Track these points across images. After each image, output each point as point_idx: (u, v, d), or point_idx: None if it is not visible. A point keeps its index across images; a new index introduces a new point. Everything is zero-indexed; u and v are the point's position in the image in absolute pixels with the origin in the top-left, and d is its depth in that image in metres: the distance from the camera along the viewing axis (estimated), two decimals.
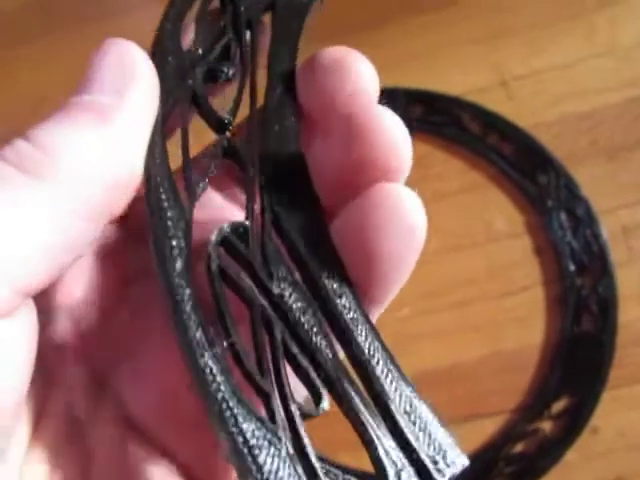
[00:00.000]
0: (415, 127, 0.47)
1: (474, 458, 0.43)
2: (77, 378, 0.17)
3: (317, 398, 0.14)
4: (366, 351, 0.14)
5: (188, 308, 0.13)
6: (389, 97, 0.53)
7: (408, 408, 0.14)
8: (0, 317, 0.13)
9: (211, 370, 0.13)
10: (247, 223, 0.15)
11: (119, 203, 0.15)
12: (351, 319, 0.15)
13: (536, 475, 0.42)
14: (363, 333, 0.15)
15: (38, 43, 0.54)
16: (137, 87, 0.15)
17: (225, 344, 0.14)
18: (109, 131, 0.14)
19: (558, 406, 0.43)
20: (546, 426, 0.43)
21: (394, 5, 0.51)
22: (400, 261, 0.15)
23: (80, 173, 0.14)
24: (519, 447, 0.43)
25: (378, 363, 0.14)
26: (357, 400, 0.14)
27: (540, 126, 0.47)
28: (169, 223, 0.14)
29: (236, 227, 0.15)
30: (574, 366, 0.43)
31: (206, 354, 0.13)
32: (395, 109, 0.52)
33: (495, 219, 0.46)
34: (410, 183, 0.53)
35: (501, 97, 0.48)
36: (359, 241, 0.15)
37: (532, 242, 0.46)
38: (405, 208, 0.15)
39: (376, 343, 0.15)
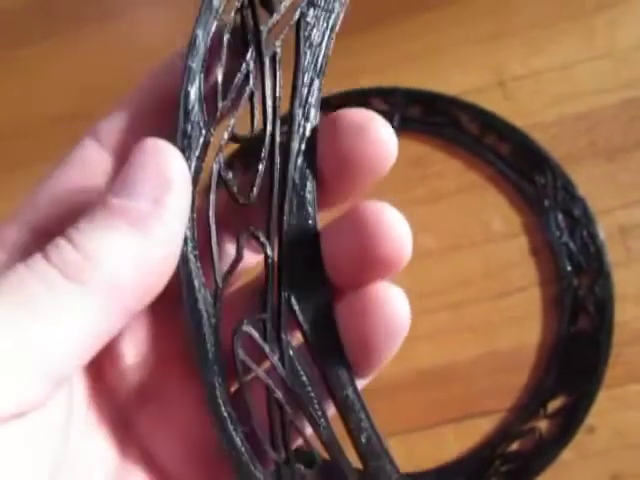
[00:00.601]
0: (414, 127, 0.48)
1: (470, 457, 0.44)
2: (104, 418, 0.18)
3: (313, 458, 0.18)
4: (358, 429, 0.18)
5: (224, 408, 0.17)
6: (388, 97, 0.53)
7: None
8: (38, 405, 0.15)
9: (240, 449, 0.17)
10: (264, 317, 0.18)
11: (149, 299, 0.16)
12: (346, 398, 0.18)
13: (532, 474, 0.43)
14: (357, 415, 0.18)
15: (39, 44, 0.54)
16: (173, 195, 0.16)
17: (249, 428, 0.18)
18: (146, 238, 0.16)
19: (554, 405, 0.43)
20: (542, 425, 0.43)
21: (393, 5, 0.51)
22: (388, 350, 0.18)
23: (118, 279, 0.15)
24: (515, 446, 0.43)
25: (367, 439, 0.18)
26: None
27: (538, 126, 0.47)
28: (204, 327, 0.17)
29: (255, 322, 0.18)
30: (570, 365, 0.43)
31: (237, 439, 0.17)
32: (394, 109, 0.53)
33: (492, 219, 0.47)
34: (409, 183, 0.53)
35: (499, 97, 0.48)
36: (357, 330, 0.18)
37: (529, 242, 0.46)
38: (396, 310, 0.18)
39: (366, 422, 0.18)
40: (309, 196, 0.18)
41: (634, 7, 0.49)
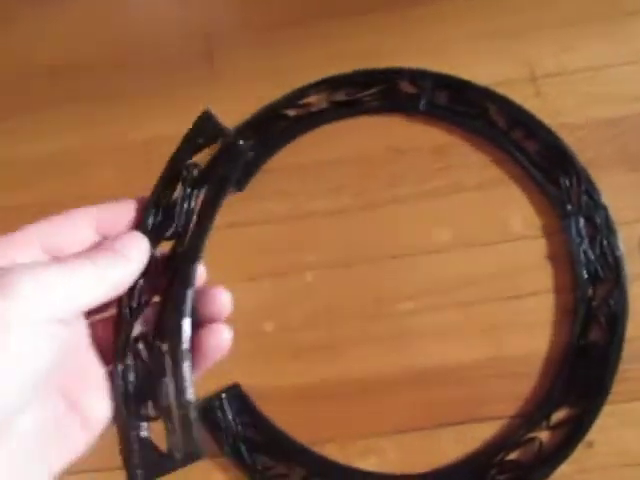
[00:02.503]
0: (440, 114, 0.46)
1: (467, 463, 0.42)
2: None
3: None
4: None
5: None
6: (416, 80, 0.50)
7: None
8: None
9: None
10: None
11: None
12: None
13: None
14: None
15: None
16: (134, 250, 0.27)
17: None
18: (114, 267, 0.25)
19: (557, 416, 0.42)
20: (543, 436, 0.42)
21: None
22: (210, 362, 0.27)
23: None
24: (514, 455, 0.42)
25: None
26: None
27: (565, 127, 0.46)
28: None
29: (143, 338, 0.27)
30: (577, 377, 0.43)
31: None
32: (422, 93, 0.50)
33: (512, 219, 0.45)
34: (430, 173, 0.51)
35: (529, 92, 0.47)
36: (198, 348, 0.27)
37: (547, 246, 0.45)
38: (221, 339, 0.27)
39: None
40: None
41: None
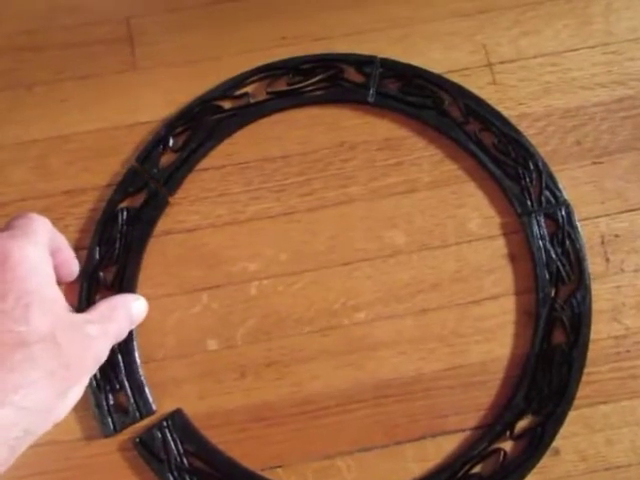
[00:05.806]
0: (390, 105, 0.45)
1: (430, 478, 0.43)
2: None
3: None
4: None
5: None
6: (363, 66, 0.49)
7: None
8: None
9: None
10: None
11: None
12: None
13: None
14: None
15: None
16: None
17: None
18: None
19: (521, 425, 0.43)
20: (507, 446, 0.43)
21: None
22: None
23: None
24: (478, 468, 0.43)
25: None
26: None
27: (525, 118, 0.46)
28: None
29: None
30: (541, 383, 0.43)
31: None
32: (369, 81, 0.50)
33: (469, 218, 0.45)
34: (381, 170, 0.50)
35: (486, 80, 0.46)
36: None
37: (506, 246, 0.45)
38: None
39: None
40: None
41: None
